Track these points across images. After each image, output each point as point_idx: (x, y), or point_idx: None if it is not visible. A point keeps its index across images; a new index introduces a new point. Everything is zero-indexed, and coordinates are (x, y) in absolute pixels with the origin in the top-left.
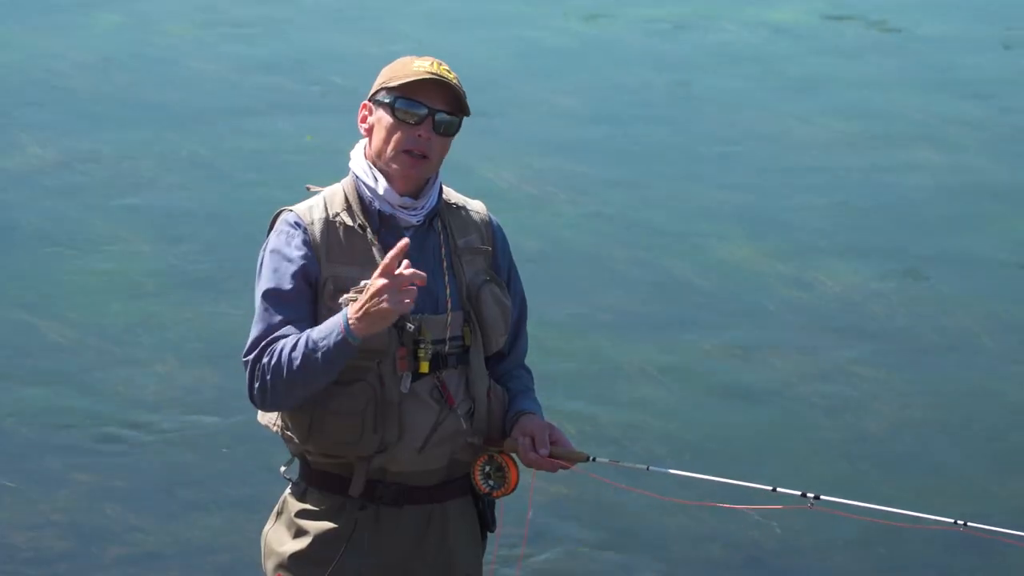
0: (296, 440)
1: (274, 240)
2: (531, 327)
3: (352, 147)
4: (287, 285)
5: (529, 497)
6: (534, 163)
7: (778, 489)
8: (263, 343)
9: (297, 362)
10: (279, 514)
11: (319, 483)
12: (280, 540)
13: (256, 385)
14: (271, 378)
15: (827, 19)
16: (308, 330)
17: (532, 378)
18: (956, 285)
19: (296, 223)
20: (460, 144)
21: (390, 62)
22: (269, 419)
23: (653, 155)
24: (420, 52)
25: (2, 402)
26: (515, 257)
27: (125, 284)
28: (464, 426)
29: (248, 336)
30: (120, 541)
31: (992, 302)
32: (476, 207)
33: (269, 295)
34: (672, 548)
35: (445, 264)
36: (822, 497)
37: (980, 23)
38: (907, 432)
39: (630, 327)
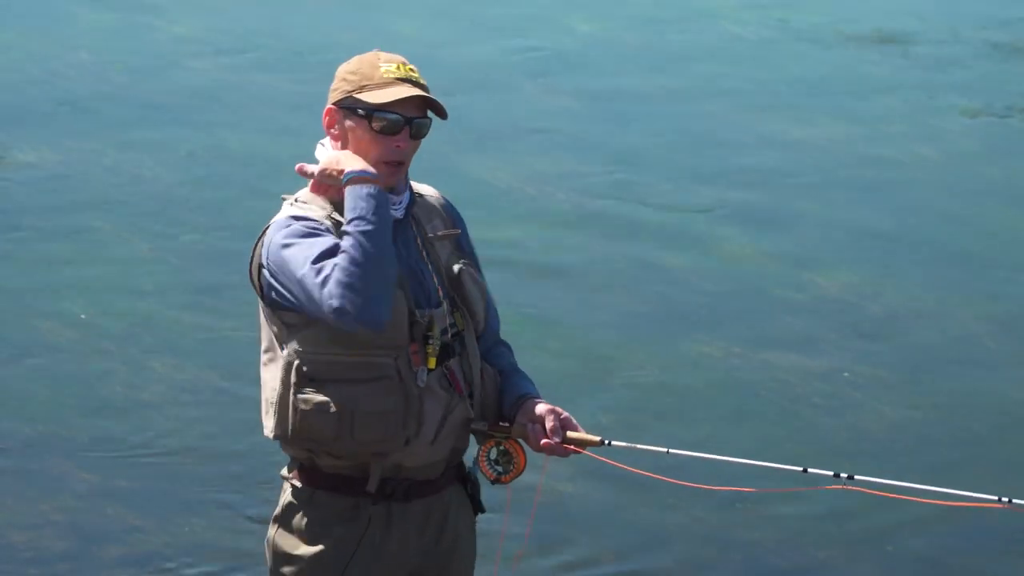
0: (317, 441)
1: (296, 228)
2: (531, 327)
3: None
4: (332, 243)
5: (536, 495)
6: (534, 163)
7: (809, 470)
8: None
9: (364, 242)
10: (285, 519)
11: (330, 486)
12: (291, 545)
13: (344, 296)
14: (357, 273)
15: (827, 19)
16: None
17: (512, 352)
18: (956, 285)
19: (305, 217)
20: (460, 144)
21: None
22: (270, 428)
23: (653, 155)
24: (421, 51)
25: (3, 402)
26: (515, 257)
27: (125, 284)
28: (471, 413)
29: (318, 299)
30: (120, 541)
31: (992, 302)
32: (431, 192)
33: (321, 258)
34: (678, 546)
35: (424, 254)
36: (856, 477)
37: (977, 26)
38: (908, 433)
39: (630, 327)
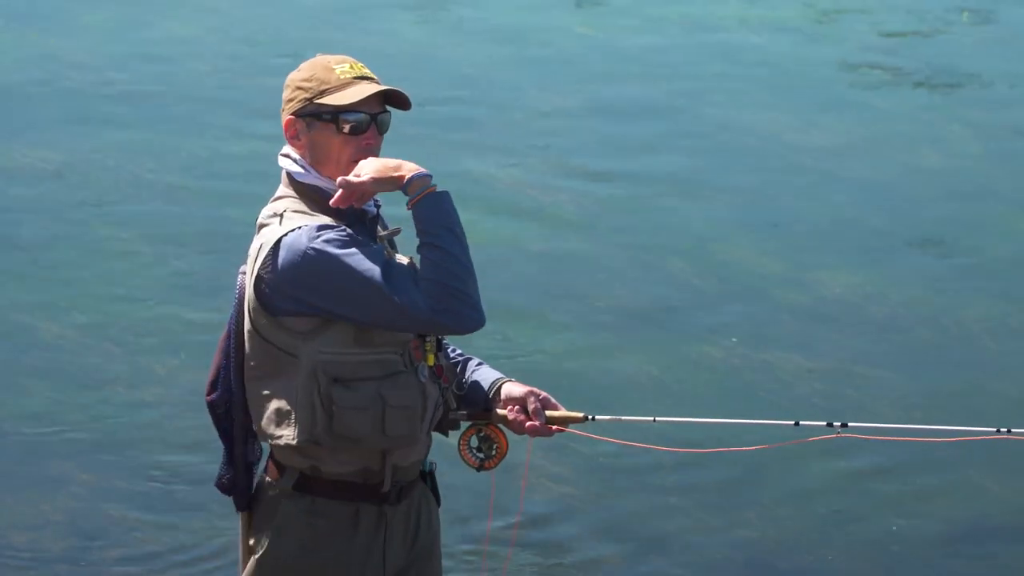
0: (354, 439)
1: (336, 237)
2: (531, 328)
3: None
4: (380, 249)
5: (522, 487)
6: (534, 163)
7: (801, 423)
8: (420, 293)
9: (461, 250)
10: (284, 529)
11: (331, 493)
12: (292, 555)
13: (461, 304)
14: (466, 279)
15: (826, 19)
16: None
17: None
18: (956, 285)
19: (328, 225)
20: (460, 145)
21: (387, 62)
22: (292, 436)
23: (653, 155)
24: (420, 52)
25: (3, 403)
26: (514, 257)
27: (126, 285)
28: (453, 404)
29: (407, 304)
30: (120, 541)
31: (992, 302)
32: None
33: (387, 264)
34: (677, 546)
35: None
36: (850, 424)
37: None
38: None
39: (630, 327)
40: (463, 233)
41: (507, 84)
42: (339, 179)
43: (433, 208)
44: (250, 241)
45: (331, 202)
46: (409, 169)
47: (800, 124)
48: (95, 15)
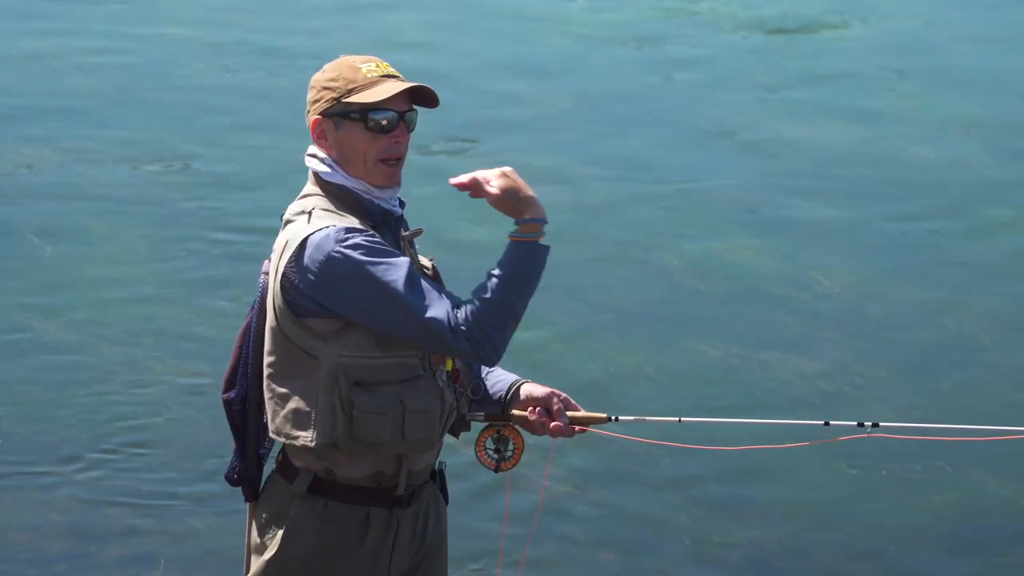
0: (373, 444)
1: (364, 243)
2: (531, 327)
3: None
4: (407, 261)
5: (542, 487)
6: (532, 163)
7: (831, 423)
8: (453, 312)
9: (523, 299)
10: (295, 531)
11: (344, 497)
12: (301, 557)
13: (492, 337)
14: (510, 321)
15: (825, 18)
16: (491, 270)
17: None
18: (956, 285)
19: (356, 228)
20: (459, 145)
21: (391, 62)
22: (311, 437)
23: (652, 155)
24: (419, 53)
25: (3, 403)
26: None
27: (125, 284)
28: (465, 409)
29: (429, 320)
30: (120, 541)
31: (992, 302)
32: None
33: (413, 278)
34: (678, 545)
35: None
36: (881, 424)
37: (986, 22)
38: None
39: (630, 327)
40: (535, 286)
41: (503, 82)
42: (472, 175)
43: (525, 255)
44: (272, 237)
45: (451, 180)
46: (532, 212)
47: (800, 123)
48: (95, 15)
